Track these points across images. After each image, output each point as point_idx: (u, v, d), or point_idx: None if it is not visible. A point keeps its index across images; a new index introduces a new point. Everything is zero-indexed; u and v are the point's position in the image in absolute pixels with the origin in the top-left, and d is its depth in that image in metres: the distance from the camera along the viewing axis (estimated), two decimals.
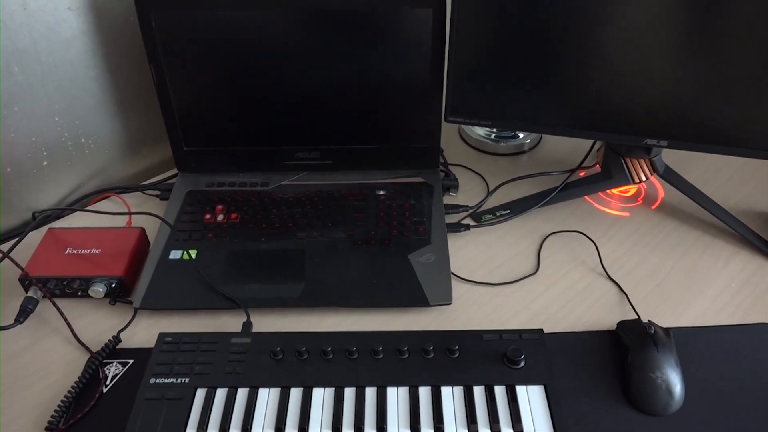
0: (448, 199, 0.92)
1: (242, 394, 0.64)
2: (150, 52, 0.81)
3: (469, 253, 0.84)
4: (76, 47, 0.84)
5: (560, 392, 0.65)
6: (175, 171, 0.94)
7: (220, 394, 0.64)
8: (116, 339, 0.71)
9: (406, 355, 0.67)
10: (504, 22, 0.75)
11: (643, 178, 0.87)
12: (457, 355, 0.67)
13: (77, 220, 0.90)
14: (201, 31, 0.80)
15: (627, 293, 0.78)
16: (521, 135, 1.04)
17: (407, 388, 0.65)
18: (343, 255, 0.80)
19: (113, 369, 0.69)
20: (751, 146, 0.76)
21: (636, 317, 0.73)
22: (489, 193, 0.93)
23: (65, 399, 0.65)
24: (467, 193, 0.94)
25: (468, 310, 0.76)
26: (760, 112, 0.73)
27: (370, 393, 0.65)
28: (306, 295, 0.76)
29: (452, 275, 0.80)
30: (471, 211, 0.90)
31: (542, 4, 0.72)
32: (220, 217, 0.86)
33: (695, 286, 0.79)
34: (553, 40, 0.74)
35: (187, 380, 0.65)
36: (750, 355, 0.70)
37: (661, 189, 0.94)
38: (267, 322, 0.74)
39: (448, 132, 1.07)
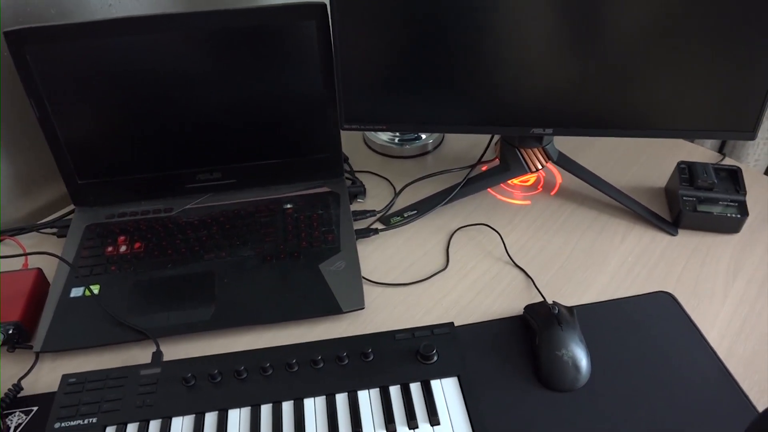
0: (356, 206, 0.93)
1: (154, 426, 0.63)
2: (28, 87, 0.78)
3: (380, 256, 0.85)
4: None
5: (474, 381, 0.67)
6: (72, 206, 0.91)
7: (131, 429, 0.62)
8: (17, 387, 0.68)
9: (321, 365, 0.67)
10: (387, 28, 0.76)
11: (539, 167, 0.90)
12: (371, 358, 0.68)
13: None
14: (82, 61, 0.78)
15: (533, 278, 0.81)
16: (424, 136, 1.06)
17: (324, 397, 0.65)
18: (252, 272, 0.80)
19: (16, 419, 0.66)
20: (628, 127, 0.81)
21: (542, 300, 0.76)
22: (395, 196, 0.95)
23: None
24: (375, 198, 0.95)
25: (382, 313, 0.77)
26: (632, 97, 0.78)
27: (287, 407, 0.64)
28: (217, 317, 0.75)
29: (364, 280, 0.81)
30: (379, 215, 0.92)
31: (422, 11, 0.74)
32: (123, 249, 0.83)
33: (595, 264, 0.83)
34: (436, 42, 0.76)
35: (94, 420, 0.62)
36: (648, 323, 0.74)
37: (559, 175, 0.98)
38: (179, 350, 0.73)
39: (353, 139, 1.08)
